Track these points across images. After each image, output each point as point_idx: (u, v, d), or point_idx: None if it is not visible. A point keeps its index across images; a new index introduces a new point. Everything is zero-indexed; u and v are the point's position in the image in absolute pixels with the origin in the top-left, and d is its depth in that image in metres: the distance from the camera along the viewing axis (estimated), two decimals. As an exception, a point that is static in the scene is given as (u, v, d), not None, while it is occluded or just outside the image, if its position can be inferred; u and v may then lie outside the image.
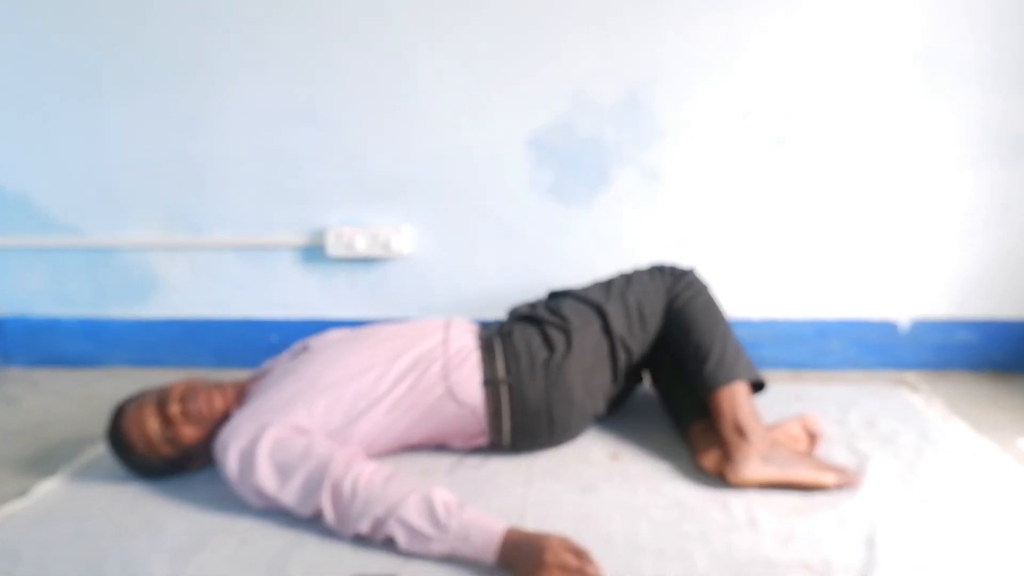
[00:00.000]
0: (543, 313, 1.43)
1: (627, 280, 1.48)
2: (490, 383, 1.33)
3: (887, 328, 1.87)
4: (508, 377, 1.33)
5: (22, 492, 1.33)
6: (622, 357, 1.41)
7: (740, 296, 1.87)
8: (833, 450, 1.38)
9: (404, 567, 1.05)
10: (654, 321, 1.44)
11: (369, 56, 1.80)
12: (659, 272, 1.48)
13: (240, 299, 2.03)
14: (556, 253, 1.91)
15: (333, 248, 1.92)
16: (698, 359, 1.36)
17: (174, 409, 1.27)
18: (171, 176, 1.94)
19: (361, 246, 1.91)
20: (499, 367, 1.34)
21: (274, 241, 1.97)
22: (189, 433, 1.28)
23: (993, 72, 1.69)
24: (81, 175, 1.97)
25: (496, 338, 1.39)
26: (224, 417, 1.31)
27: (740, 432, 1.25)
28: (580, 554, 1.01)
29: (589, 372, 1.38)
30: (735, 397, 1.30)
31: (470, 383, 1.32)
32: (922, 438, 1.43)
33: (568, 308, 1.43)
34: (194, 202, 1.96)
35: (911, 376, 1.79)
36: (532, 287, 1.88)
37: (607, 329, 1.40)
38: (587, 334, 1.39)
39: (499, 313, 1.55)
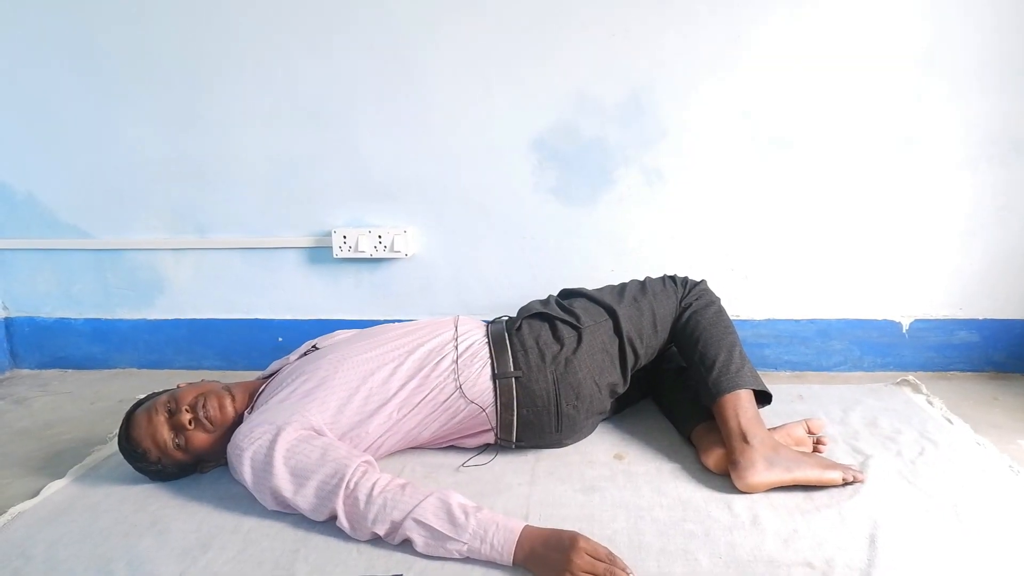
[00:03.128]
0: (554, 309, 1.44)
1: (640, 286, 1.50)
2: (500, 377, 1.33)
3: (889, 328, 1.88)
4: (517, 371, 1.34)
5: (31, 492, 1.34)
6: (631, 359, 1.42)
7: (743, 296, 1.88)
8: (836, 449, 1.39)
9: (410, 568, 1.05)
10: (664, 327, 1.45)
11: (374, 58, 1.81)
12: (672, 281, 1.50)
13: (247, 300, 2.05)
14: (560, 254, 1.91)
15: (339, 249, 1.93)
16: (704, 367, 1.36)
17: (185, 416, 1.27)
18: (178, 178, 1.96)
19: (366, 247, 1.92)
20: (509, 361, 1.35)
21: (280, 242, 1.98)
22: (201, 439, 1.29)
23: (993, 73, 1.69)
24: (88, 177, 1.98)
25: (506, 333, 1.40)
26: (235, 420, 1.31)
27: (744, 438, 1.26)
28: (607, 556, 1.01)
29: (598, 370, 1.38)
30: (739, 404, 1.30)
31: (480, 378, 1.33)
32: (924, 437, 1.44)
33: (580, 306, 1.44)
34: (201, 203, 1.98)
35: (913, 376, 1.79)
36: (536, 288, 1.90)
37: (618, 329, 1.41)
38: (598, 332, 1.40)
39: (504, 314, 1.55)
